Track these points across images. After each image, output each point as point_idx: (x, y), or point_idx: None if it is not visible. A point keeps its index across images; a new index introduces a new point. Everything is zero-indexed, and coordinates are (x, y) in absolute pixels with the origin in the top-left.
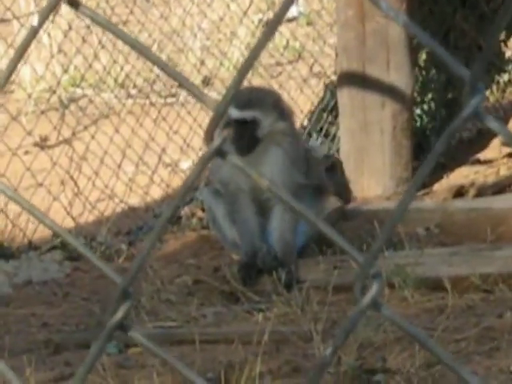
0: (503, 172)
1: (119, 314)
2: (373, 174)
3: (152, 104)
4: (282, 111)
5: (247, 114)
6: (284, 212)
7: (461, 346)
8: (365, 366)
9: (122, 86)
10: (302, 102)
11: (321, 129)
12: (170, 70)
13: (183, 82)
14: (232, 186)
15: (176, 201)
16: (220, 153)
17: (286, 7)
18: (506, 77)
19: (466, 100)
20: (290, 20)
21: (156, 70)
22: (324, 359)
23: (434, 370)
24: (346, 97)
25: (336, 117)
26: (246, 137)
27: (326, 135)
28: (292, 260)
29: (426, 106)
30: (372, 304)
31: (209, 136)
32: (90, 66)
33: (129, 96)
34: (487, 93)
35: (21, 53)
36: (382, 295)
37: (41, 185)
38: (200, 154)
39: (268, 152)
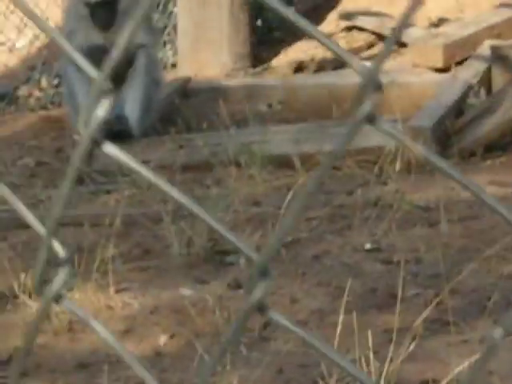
0: (342, 46)
1: None
2: (211, 50)
3: None
4: None
5: None
6: (140, 83)
7: (312, 225)
8: (216, 248)
9: None
10: None
11: (157, 5)
12: None
13: None
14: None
15: None
16: None
17: None
18: None
19: None
20: None
21: None
22: None
23: (284, 247)
24: None
25: None
26: (107, 13)
27: (163, 11)
28: (145, 128)
29: None
30: None
31: None
32: None
33: None
34: None
35: None
36: (229, 175)
37: None
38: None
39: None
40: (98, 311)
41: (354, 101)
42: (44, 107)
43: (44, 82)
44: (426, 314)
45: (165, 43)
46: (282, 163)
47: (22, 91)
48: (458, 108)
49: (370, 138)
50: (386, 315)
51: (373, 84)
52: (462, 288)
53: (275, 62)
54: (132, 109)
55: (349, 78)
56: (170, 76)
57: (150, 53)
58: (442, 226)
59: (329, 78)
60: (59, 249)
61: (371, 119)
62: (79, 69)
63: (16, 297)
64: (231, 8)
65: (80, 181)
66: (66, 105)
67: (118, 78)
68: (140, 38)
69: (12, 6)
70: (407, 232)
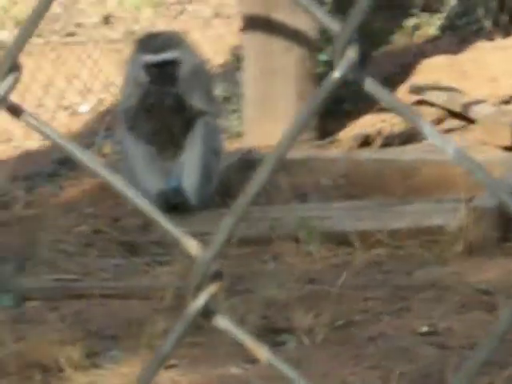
0: None
1: None
2: (276, 121)
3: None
4: (192, 47)
5: (167, 56)
6: (198, 152)
7: (369, 305)
8: (269, 326)
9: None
10: (204, 42)
11: (225, 74)
12: None
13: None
14: (146, 122)
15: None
16: None
17: None
18: (412, 21)
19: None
20: None
21: (56, 8)
22: None
23: (339, 328)
24: (250, 41)
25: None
26: (167, 79)
27: (233, 81)
28: (203, 200)
29: (330, 52)
30: None
31: None
32: None
33: None
34: (394, 37)
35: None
36: (287, 250)
37: None
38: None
39: (192, 87)
40: None
41: (190, 291)
42: None
43: (107, 148)
44: None
45: (233, 111)
46: (341, 240)
47: None
48: None
49: (432, 216)
50: None
51: (209, 273)
52: None
53: (342, 134)
54: (190, 180)
55: (414, 154)
56: (235, 145)
57: (210, 121)
58: (500, 311)
59: (394, 153)
60: None
61: (207, 314)
62: (136, 138)
63: (61, 370)
64: (297, 78)
65: (135, 251)
66: (125, 176)
67: (176, 145)
68: (200, 103)
69: (76, 71)
70: (465, 316)
